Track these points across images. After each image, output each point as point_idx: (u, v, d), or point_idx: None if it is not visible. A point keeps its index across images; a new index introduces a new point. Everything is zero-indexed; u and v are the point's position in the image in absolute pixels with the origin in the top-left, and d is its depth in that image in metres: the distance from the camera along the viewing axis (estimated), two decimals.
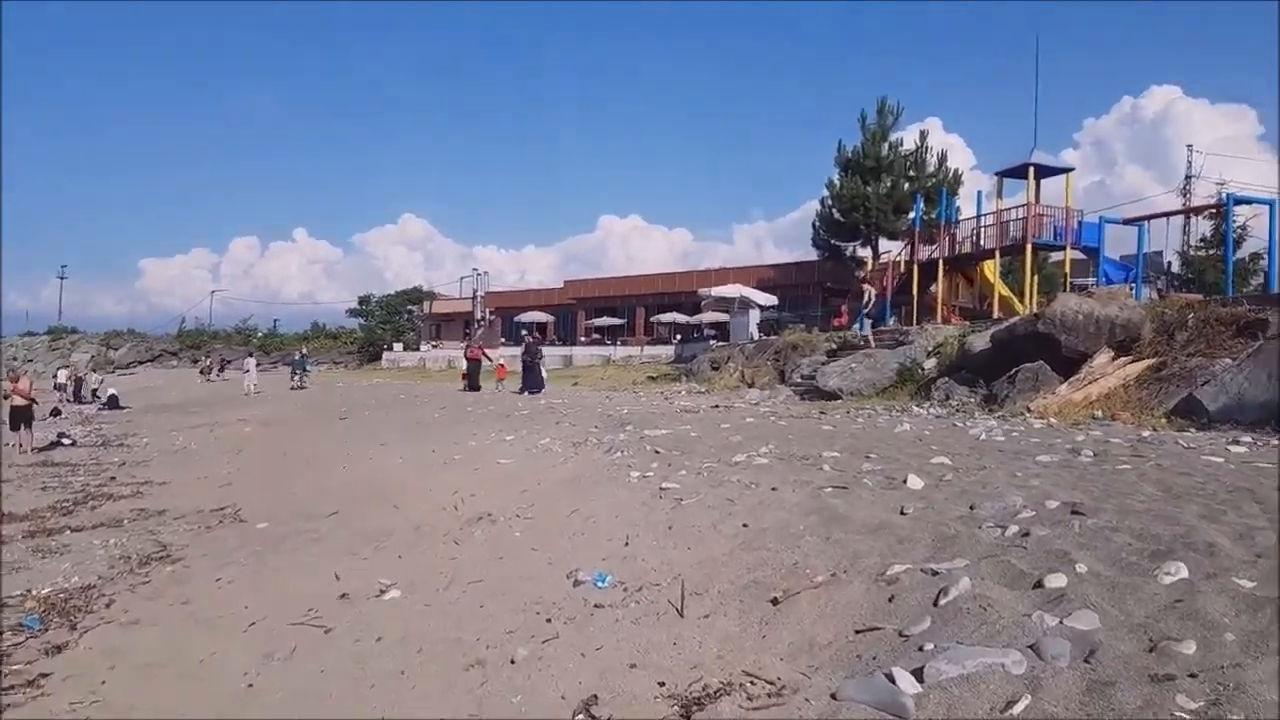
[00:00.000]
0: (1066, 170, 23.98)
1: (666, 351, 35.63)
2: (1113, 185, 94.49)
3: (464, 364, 28.14)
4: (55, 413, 27.97)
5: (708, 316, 34.98)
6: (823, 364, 20.38)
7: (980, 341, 15.44)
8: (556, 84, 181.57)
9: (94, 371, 50.91)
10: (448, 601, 5.16)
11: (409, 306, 63.78)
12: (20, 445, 17.52)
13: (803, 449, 8.77)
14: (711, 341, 31.65)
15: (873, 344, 19.95)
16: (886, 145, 31.64)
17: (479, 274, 51.81)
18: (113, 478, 13.79)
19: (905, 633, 3.46)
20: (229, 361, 54.42)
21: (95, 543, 8.84)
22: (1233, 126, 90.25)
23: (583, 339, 43.75)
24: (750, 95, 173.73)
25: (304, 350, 51.25)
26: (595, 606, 4.50)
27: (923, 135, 32.37)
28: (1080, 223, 23.29)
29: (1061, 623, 3.32)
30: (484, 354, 27.70)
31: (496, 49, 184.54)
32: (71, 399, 34.54)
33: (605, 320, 43.45)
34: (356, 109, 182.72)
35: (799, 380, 20.19)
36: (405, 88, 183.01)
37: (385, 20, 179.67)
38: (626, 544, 5.77)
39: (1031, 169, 23.11)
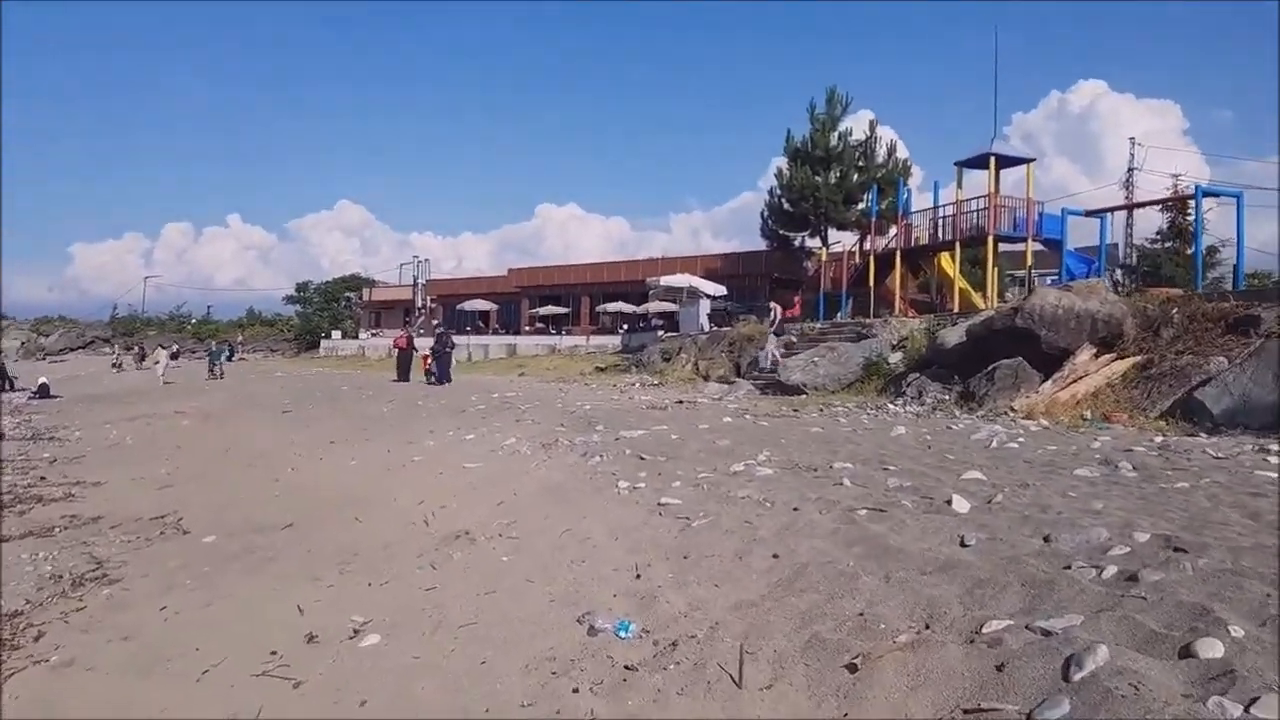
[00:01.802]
0: (1028, 160, 23.85)
1: (613, 341, 35.06)
2: (1040, 178, 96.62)
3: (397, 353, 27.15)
4: None
5: (655, 306, 34.48)
6: (781, 356, 20.08)
7: (953, 336, 15.18)
8: (495, 69, 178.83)
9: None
10: (440, 652, 4.50)
11: (347, 294, 62.10)
12: None
13: (804, 457, 8.28)
14: (659, 332, 31.15)
15: (781, 363, 19.46)
16: (836, 135, 31.38)
17: (420, 261, 50.61)
18: (43, 477, 12.70)
19: (1035, 718, 2.91)
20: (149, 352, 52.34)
21: (23, 556, 7.92)
22: (1159, 120, 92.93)
23: (527, 328, 42.95)
24: (685, 85, 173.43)
25: (221, 340, 49.55)
26: (626, 669, 3.85)
27: (872, 125, 32.22)
28: (1041, 214, 23.24)
29: (1247, 711, 2.73)
30: (412, 343, 26.83)
31: (432, 32, 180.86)
32: None
33: (550, 309, 42.70)
34: (289, 91, 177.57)
35: (756, 374, 19.83)
36: (340, 71, 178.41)
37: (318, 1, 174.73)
38: (638, 576, 5.17)
39: (992, 159, 22.93)
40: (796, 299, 29.28)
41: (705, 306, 28.42)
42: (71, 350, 67.04)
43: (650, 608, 4.61)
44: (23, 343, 71.61)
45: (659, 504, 6.76)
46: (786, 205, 31.29)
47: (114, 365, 47.88)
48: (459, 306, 45.93)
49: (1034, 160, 23.90)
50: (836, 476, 7.17)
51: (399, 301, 52.90)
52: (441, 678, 4.19)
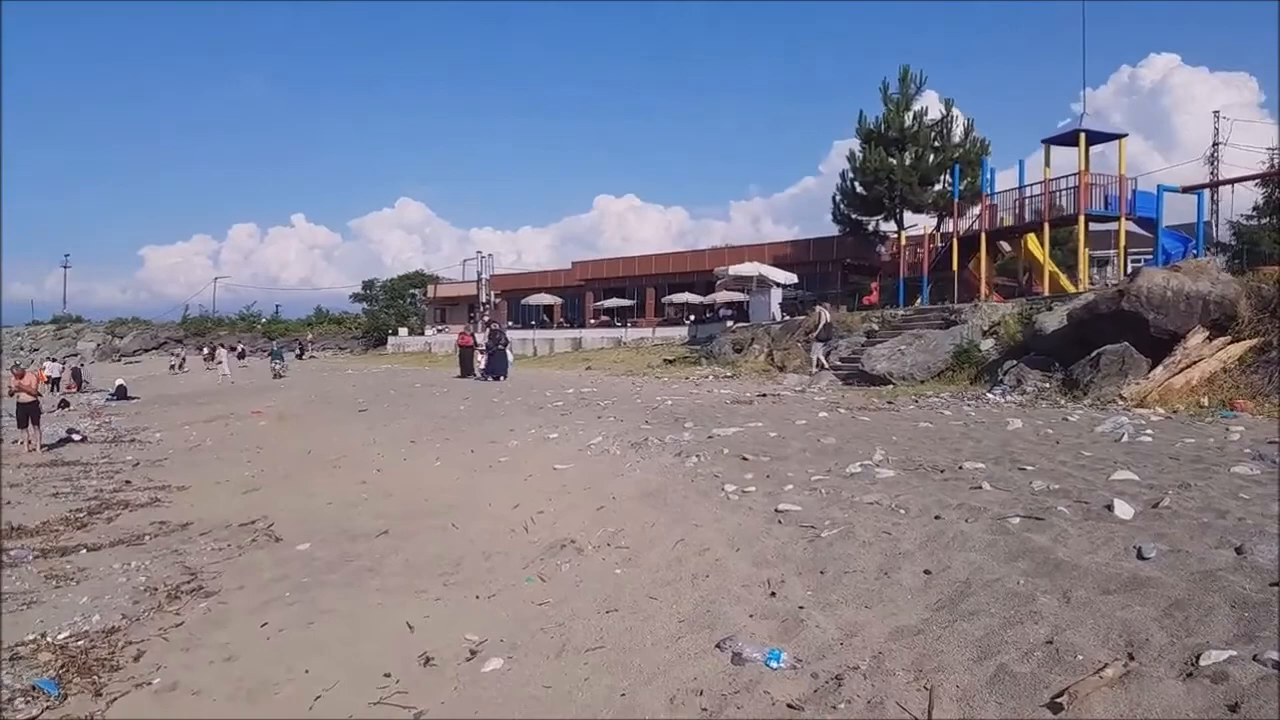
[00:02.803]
0: (1119, 136, 22.65)
1: (679, 333, 34.55)
2: (1112, 155, 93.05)
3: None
4: (63, 404, 27.03)
5: (723, 296, 33.82)
6: (863, 345, 19.42)
7: (1052, 321, 14.40)
8: (551, 62, 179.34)
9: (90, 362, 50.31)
10: (571, 681, 4.13)
11: (412, 291, 62.67)
12: (29, 443, 16.56)
13: (924, 456, 7.75)
14: (728, 322, 30.53)
15: (826, 368, 18.77)
16: (910, 115, 30.35)
17: (483, 256, 50.66)
18: (128, 481, 12.81)
19: None
20: (231, 349, 53.51)
21: (115, 566, 7.85)
22: (1234, 94, 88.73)
23: (592, 321, 42.60)
24: (743, 72, 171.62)
25: (291, 339, 50.66)
26: (790, 708, 3.44)
27: (947, 104, 31.06)
28: (1134, 191, 22.06)
29: None
30: (475, 340, 26.84)
31: (487, 27, 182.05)
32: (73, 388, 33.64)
33: (614, 302, 42.33)
34: (351, 93, 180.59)
35: (839, 363, 19.20)
36: (397, 69, 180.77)
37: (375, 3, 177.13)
38: (772, 594, 4.75)
39: (1082, 135, 21.81)
40: (874, 285, 28.41)
41: (776, 295, 27.69)
42: (145, 351, 68.90)
43: (796, 632, 4.18)
44: (98, 345, 73.96)
45: (776, 510, 6.32)
46: (860, 188, 30.37)
47: (172, 367, 48.98)
48: (523, 301, 45.92)
49: (1125, 136, 22.72)
50: (971, 478, 6.63)
51: (463, 297, 53.08)
52: (578, 712, 3.82)
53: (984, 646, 3.65)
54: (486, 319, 36.71)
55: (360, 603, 6.06)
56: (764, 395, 14.61)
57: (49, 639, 5.97)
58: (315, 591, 6.48)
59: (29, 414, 16.94)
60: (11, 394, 17.56)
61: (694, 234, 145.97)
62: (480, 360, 25.05)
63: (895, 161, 29.12)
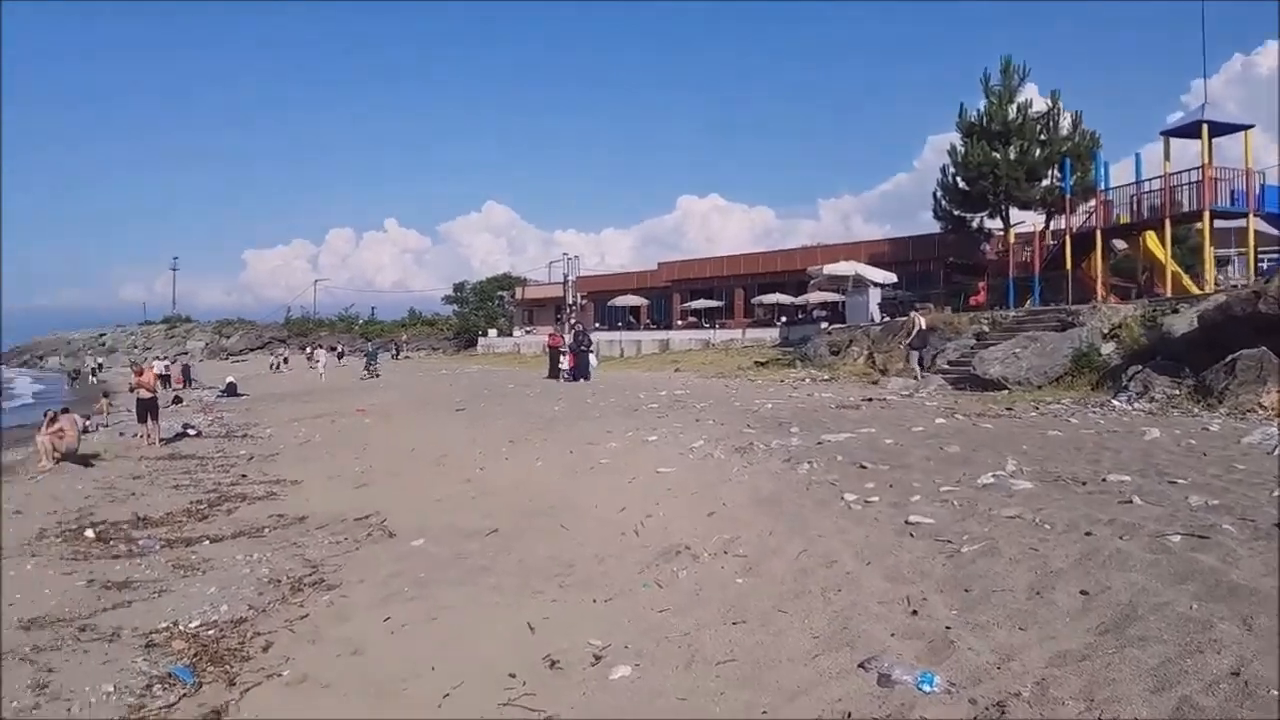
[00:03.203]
0: (1245, 127, 21.24)
1: (770, 334, 34.06)
2: (1229, 149, 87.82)
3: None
4: (177, 400, 28.32)
5: (816, 296, 33.12)
6: (973, 348, 18.77)
7: (1180, 323, 13.60)
8: (634, 63, 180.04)
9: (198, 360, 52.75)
10: (706, 695, 4.00)
11: (500, 293, 63.70)
12: (148, 437, 17.35)
13: (1061, 466, 7.35)
14: (823, 324, 29.93)
15: (921, 376, 18.09)
16: (1014, 107, 29.18)
17: (570, 258, 51.00)
18: (244, 475, 13.29)
19: None
20: (331, 349, 55.42)
21: (239, 557, 8.10)
22: None
23: (679, 322, 42.28)
24: (829, 64, 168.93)
25: (386, 340, 52.07)
26: None
27: (1054, 95, 29.75)
28: (1263, 186, 20.68)
29: None
30: (564, 342, 27.08)
31: (567, 29, 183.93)
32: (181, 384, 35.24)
33: (702, 303, 41.75)
34: (436, 92, 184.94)
35: (946, 366, 18.59)
36: (484, 70, 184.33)
37: (459, 14, 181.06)
38: (914, 612, 4.52)
39: (1204, 126, 20.53)
40: (982, 285, 27.36)
41: (875, 295, 26.93)
42: (250, 350, 71.90)
43: (946, 654, 3.95)
44: (206, 344, 77.64)
45: (906, 523, 6.06)
46: (962, 183, 29.32)
47: (272, 366, 50.75)
48: (609, 303, 45.92)
49: (1252, 127, 21.29)
50: (1118, 492, 6.23)
51: (549, 299, 53.45)
52: None
53: (1161, 676, 3.36)
54: (572, 321, 36.85)
55: (478, 601, 6.07)
56: (869, 400, 14.21)
57: (181, 627, 6.17)
58: (434, 588, 6.53)
59: (148, 409, 17.73)
60: (132, 390, 18.40)
61: (780, 233, 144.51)
62: (564, 361, 25.23)
63: (999, 156, 28.00)
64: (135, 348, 75.46)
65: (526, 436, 13.39)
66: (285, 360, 53.56)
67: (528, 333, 51.95)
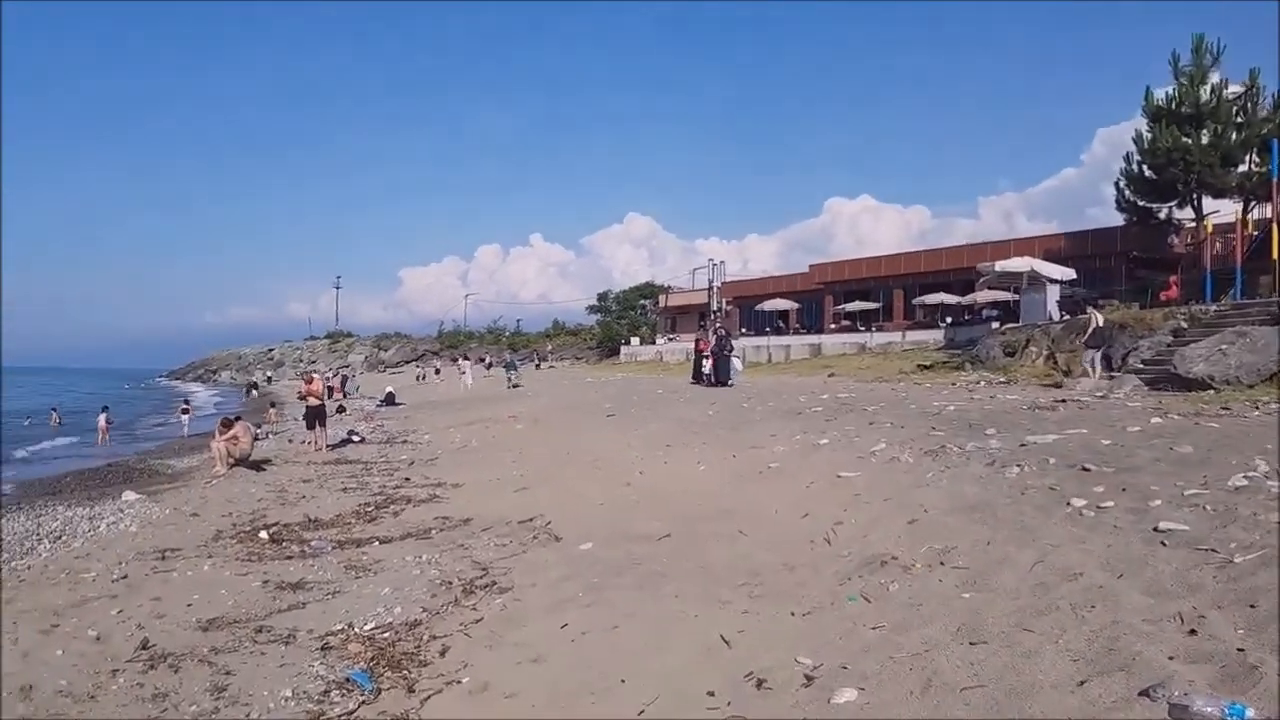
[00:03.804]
0: None
1: (933, 336, 32.20)
2: None
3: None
4: (340, 410, 29.56)
5: (985, 296, 31.07)
6: (1169, 345, 17.01)
7: None
8: (775, 62, 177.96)
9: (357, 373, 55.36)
10: None
11: (642, 301, 63.84)
12: (315, 444, 17.97)
13: None
14: (993, 324, 28.03)
15: (1096, 376, 16.41)
16: (1207, 89, 26.52)
17: (715, 264, 50.44)
18: (407, 478, 13.43)
19: None
20: (480, 360, 57.05)
21: (408, 559, 7.97)
22: None
23: (832, 326, 40.61)
24: (988, 60, 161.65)
25: (530, 350, 52.84)
26: None
27: (1253, 75, 26.85)
28: None
29: None
30: (709, 345, 26.44)
31: (704, 32, 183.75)
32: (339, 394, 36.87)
33: (857, 305, 39.81)
34: (580, 112, 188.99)
35: (1140, 366, 16.90)
36: (625, 80, 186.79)
37: (595, 24, 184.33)
38: (1192, 632, 3.74)
39: None
40: (1173, 279, 24.95)
41: (1053, 293, 24.95)
42: (407, 363, 74.93)
43: (1249, 682, 3.20)
44: (366, 356, 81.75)
45: (1155, 530, 5.18)
46: (1149, 172, 26.89)
47: (418, 378, 52.48)
48: (757, 307, 44.67)
49: None
50: None
51: (693, 306, 52.87)
52: None
53: None
54: (716, 326, 36.19)
55: (660, 609, 5.60)
56: (1063, 401, 12.95)
57: (356, 630, 6.00)
58: (609, 593, 6.11)
59: (316, 417, 18.41)
60: (302, 398, 19.15)
61: (936, 234, 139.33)
62: (707, 366, 24.67)
63: (1190, 141, 25.48)
64: (301, 361, 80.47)
65: (683, 441, 12.93)
66: (437, 371, 55.50)
67: (670, 340, 51.50)
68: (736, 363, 26.13)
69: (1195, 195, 26.48)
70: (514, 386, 35.63)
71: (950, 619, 4.45)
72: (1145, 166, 27.13)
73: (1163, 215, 28.29)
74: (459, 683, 4.94)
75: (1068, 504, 6.08)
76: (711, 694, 4.21)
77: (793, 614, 5.10)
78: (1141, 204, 28.00)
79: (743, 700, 4.03)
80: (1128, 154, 27.92)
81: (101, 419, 25.66)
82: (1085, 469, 6.97)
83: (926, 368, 24.25)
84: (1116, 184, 28.36)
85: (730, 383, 23.86)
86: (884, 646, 4.27)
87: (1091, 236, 32.37)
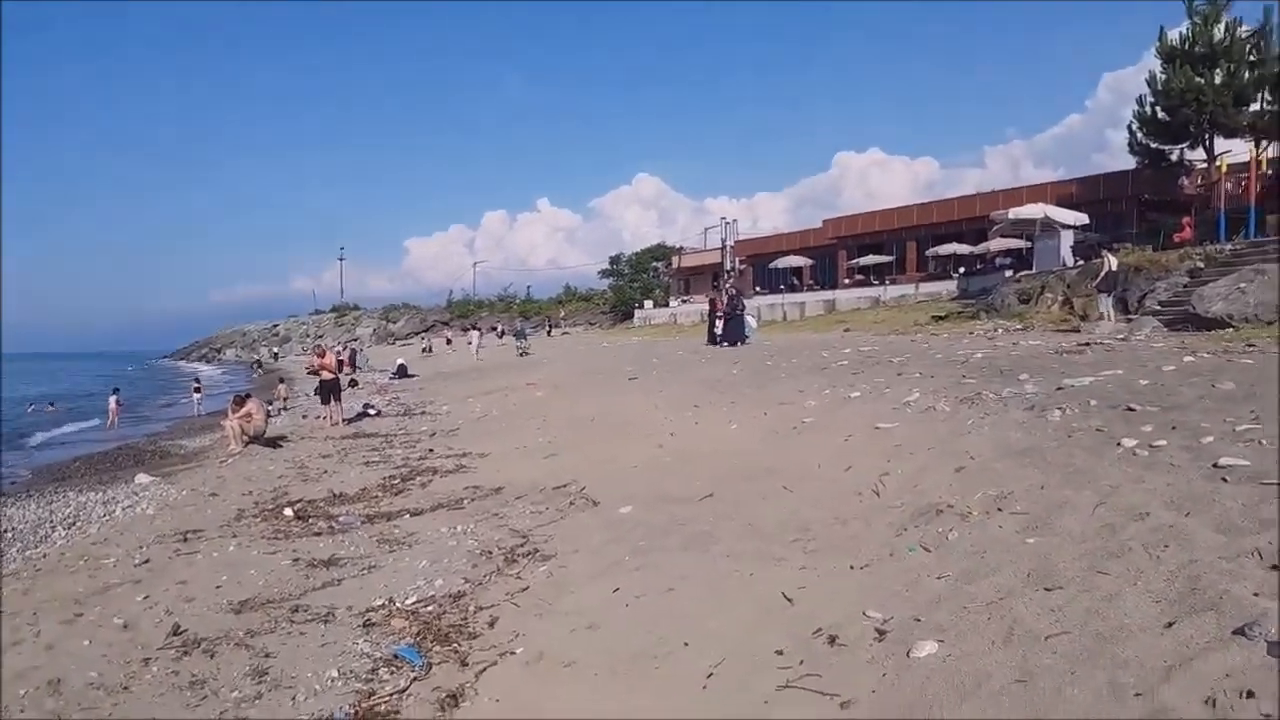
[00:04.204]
0: None
1: (946, 287, 31.87)
2: None
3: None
4: (353, 384, 29.49)
5: (998, 244, 30.71)
6: (1186, 286, 16.82)
7: None
8: (779, 12, 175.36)
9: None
10: (1050, 675, 3.26)
11: (654, 264, 63.22)
12: (331, 418, 17.85)
13: None
14: (1006, 272, 27.72)
15: (1110, 320, 16.22)
16: (1221, 28, 25.96)
17: (727, 222, 49.92)
18: (430, 450, 13.36)
19: None
20: (492, 329, 56.90)
21: (442, 530, 7.90)
22: None
23: (846, 281, 40.22)
24: (995, 6, 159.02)
25: (540, 317, 52.51)
26: None
27: (1266, 12, 26.19)
28: None
29: None
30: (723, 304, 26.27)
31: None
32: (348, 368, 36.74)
33: (871, 259, 39.51)
34: (590, 76, 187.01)
35: (1157, 307, 16.73)
36: (624, 44, 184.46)
37: None
38: (1275, 567, 3.63)
39: None
40: (1188, 221, 24.57)
41: (1067, 238, 24.65)
42: (416, 334, 74.54)
43: None
44: (374, 329, 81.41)
45: (1215, 466, 5.08)
46: (1161, 114, 26.43)
47: (424, 350, 52.25)
48: (770, 265, 44.29)
49: None
50: None
51: (706, 266, 52.15)
52: (1081, 712, 2.96)
53: None
54: (728, 286, 35.81)
55: (713, 569, 5.51)
56: (1087, 345, 12.80)
57: (398, 604, 5.91)
58: (657, 556, 6.03)
59: (330, 391, 18.24)
60: (314, 373, 18.94)
61: (944, 185, 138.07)
62: (718, 326, 24.51)
63: (1204, 81, 24.98)
64: (307, 337, 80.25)
65: (710, 401, 12.82)
66: (448, 341, 55.35)
67: (684, 302, 51.15)
68: (750, 320, 25.97)
69: (1208, 136, 26.09)
70: (523, 354, 35.51)
71: (1018, 565, 4.35)
72: (1158, 108, 26.69)
73: (1174, 157, 27.88)
74: (513, 653, 4.87)
75: (1118, 445, 5.96)
76: (780, 653, 4.12)
77: (851, 567, 5.01)
78: (1154, 146, 27.59)
79: (815, 658, 3.95)
80: (1140, 96, 27.49)
81: (112, 401, 25.50)
82: (1130, 409, 6.86)
83: (941, 318, 24.07)
84: (1129, 127, 27.96)
85: (748, 340, 23.78)
86: (955, 596, 4.18)
87: (1103, 181, 31.95)
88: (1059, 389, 8.37)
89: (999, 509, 5.24)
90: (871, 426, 8.43)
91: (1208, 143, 26.34)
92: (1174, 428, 6.10)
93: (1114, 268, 17.26)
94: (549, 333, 57.55)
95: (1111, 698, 3.02)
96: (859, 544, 5.36)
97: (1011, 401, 8.24)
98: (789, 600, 4.69)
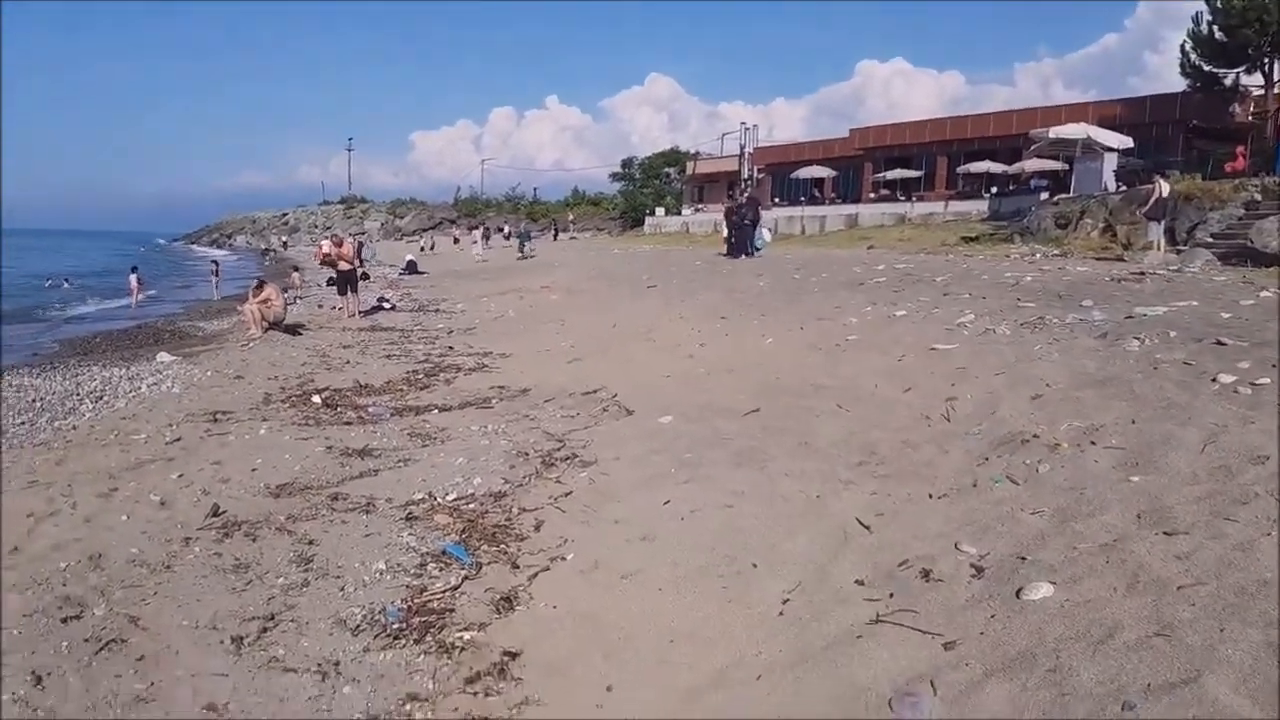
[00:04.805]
0: None
1: (976, 207, 30.66)
2: None
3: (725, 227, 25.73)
4: (364, 277, 28.97)
5: (1033, 165, 29.55)
6: (1240, 219, 16.15)
7: None
8: None
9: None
10: (1193, 631, 2.91)
11: (667, 169, 61.47)
12: (348, 309, 17.49)
13: None
14: (1042, 194, 26.71)
15: (1160, 250, 15.49)
16: None
17: (746, 128, 48.42)
18: (450, 347, 13.04)
19: None
20: (498, 230, 55.89)
21: (473, 429, 7.61)
22: None
23: (870, 196, 38.78)
24: None
25: (548, 220, 51.27)
26: None
27: None
28: None
29: None
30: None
31: None
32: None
33: (899, 173, 37.69)
34: None
35: (1210, 240, 16.09)
36: None
37: None
38: None
39: None
40: (1240, 150, 23.57)
41: (1110, 162, 23.65)
42: (423, 231, 72.97)
43: None
44: (381, 224, 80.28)
45: None
46: (1219, 34, 25.12)
47: (423, 248, 51.19)
48: (791, 175, 42.52)
49: None
50: None
51: (722, 174, 50.29)
52: (1234, 673, 2.62)
53: None
54: (745, 194, 34.72)
55: (772, 488, 5.18)
56: (1142, 274, 12.25)
57: (438, 499, 5.64)
58: (707, 470, 5.70)
59: (348, 281, 17.81)
60: (330, 263, 18.41)
61: (971, 101, 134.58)
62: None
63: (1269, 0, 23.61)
64: (316, 228, 79.14)
65: (739, 313, 12.38)
66: (456, 240, 54.45)
67: (697, 210, 49.78)
68: (765, 233, 25.18)
69: (1268, 60, 24.78)
70: (522, 259, 34.78)
71: (1125, 505, 3.98)
72: (1215, 27, 25.30)
73: (1229, 82, 26.59)
74: (563, 559, 4.60)
75: (1214, 380, 5.54)
76: (861, 583, 3.81)
77: (930, 496, 4.66)
78: (1207, 69, 26.28)
79: (907, 592, 3.62)
80: (1196, 14, 26.08)
81: (133, 279, 25.27)
82: (1220, 343, 6.41)
83: (972, 239, 23.33)
84: (1181, 47, 26.64)
85: (759, 253, 23.10)
86: (1060, 535, 3.83)
87: (1150, 103, 30.47)
88: (1129, 318, 7.93)
89: (1091, 442, 4.86)
90: (925, 347, 8.00)
91: (1267, 67, 25.07)
92: (1274, 365, 5.66)
93: (1166, 194, 16.47)
94: (554, 237, 56.52)
95: (1272, 660, 2.67)
96: (934, 471, 5.01)
97: (1078, 328, 7.81)
98: (866, 527, 4.35)
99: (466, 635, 3.82)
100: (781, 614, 3.70)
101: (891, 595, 3.61)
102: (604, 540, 4.78)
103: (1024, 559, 3.66)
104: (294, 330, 14.91)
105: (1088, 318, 8.11)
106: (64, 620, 3.90)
